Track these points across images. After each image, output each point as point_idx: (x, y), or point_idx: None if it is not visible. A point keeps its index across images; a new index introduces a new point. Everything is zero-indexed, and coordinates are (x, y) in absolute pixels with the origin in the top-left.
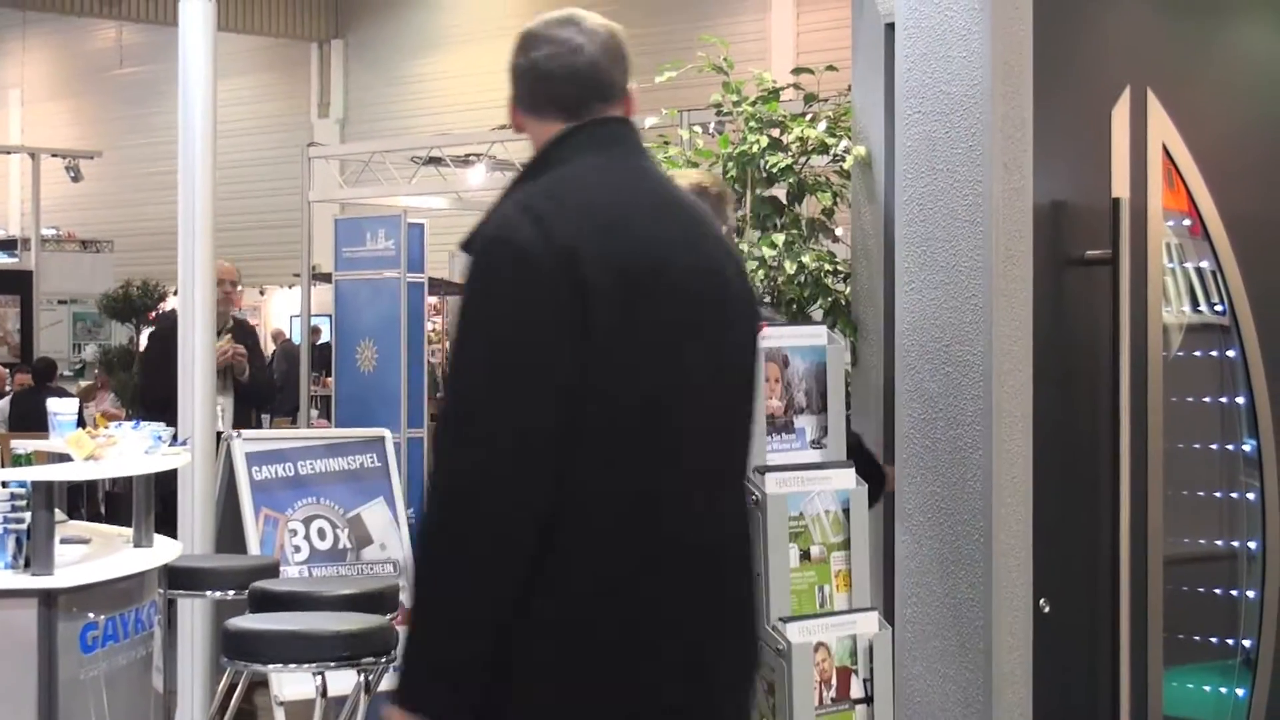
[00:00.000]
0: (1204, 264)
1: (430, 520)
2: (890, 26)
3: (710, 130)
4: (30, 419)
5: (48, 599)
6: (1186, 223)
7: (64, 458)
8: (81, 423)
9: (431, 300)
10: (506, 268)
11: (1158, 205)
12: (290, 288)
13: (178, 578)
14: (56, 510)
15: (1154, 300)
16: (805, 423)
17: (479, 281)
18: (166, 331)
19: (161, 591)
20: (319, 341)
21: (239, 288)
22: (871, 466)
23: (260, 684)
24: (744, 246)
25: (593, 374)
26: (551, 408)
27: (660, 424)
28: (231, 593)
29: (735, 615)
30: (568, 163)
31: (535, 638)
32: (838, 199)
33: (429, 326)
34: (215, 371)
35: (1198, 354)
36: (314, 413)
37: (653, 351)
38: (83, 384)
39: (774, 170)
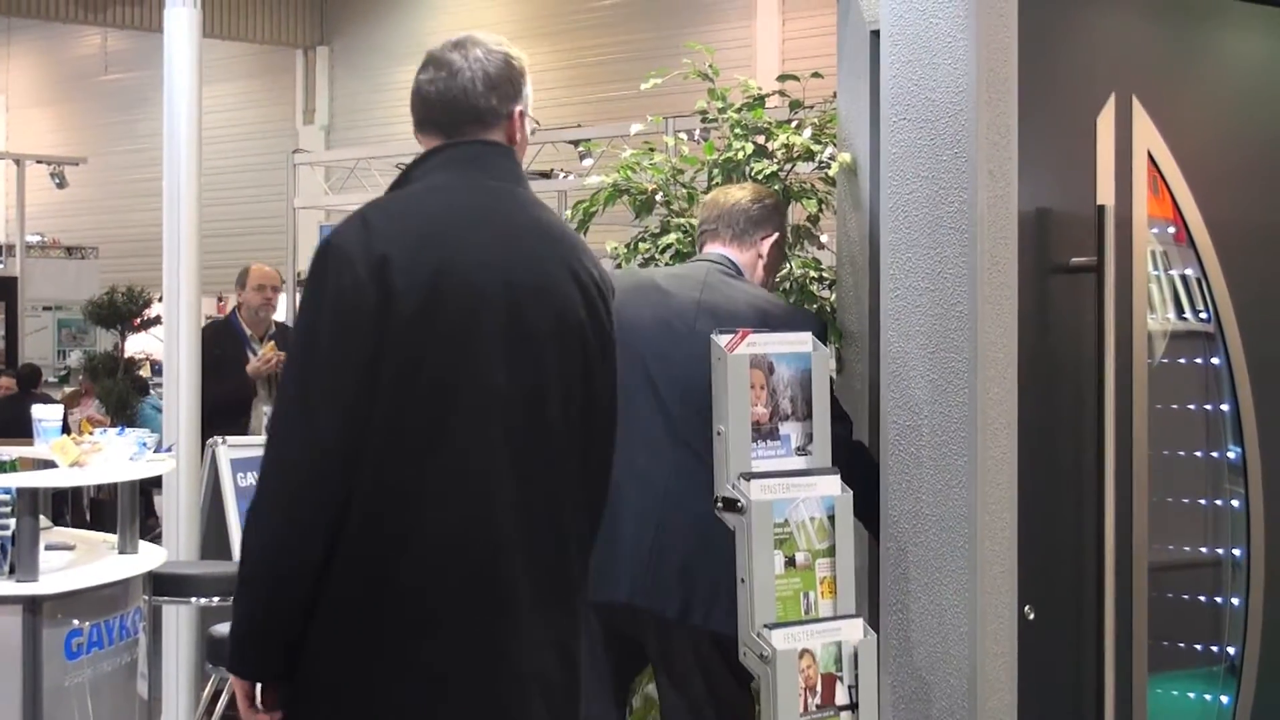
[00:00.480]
0: (1188, 271)
1: (252, 502)
2: (875, 34)
3: (696, 137)
4: (14, 425)
5: (32, 605)
6: (1171, 230)
7: (49, 464)
8: (66, 429)
9: None
10: (330, 269)
11: (1142, 212)
12: None
13: (162, 584)
14: (41, 516)
15: (1139, 307)
16: (790, 430)
17: (309, 280)
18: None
19: (146, 598)
20: None
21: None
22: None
23: None
24: None
25: (388, 374)
26: (350, 403)
27: (445, 424)
28: (216, 599)
29: (526, 619)
30: (421, 180)
31: (315, 624)
32: (823, 206)
33: None
34: (235, 378)
35: (1182, 361)
36: None
37: (449, 359)
38: (67, 390)
39: (759, 177)
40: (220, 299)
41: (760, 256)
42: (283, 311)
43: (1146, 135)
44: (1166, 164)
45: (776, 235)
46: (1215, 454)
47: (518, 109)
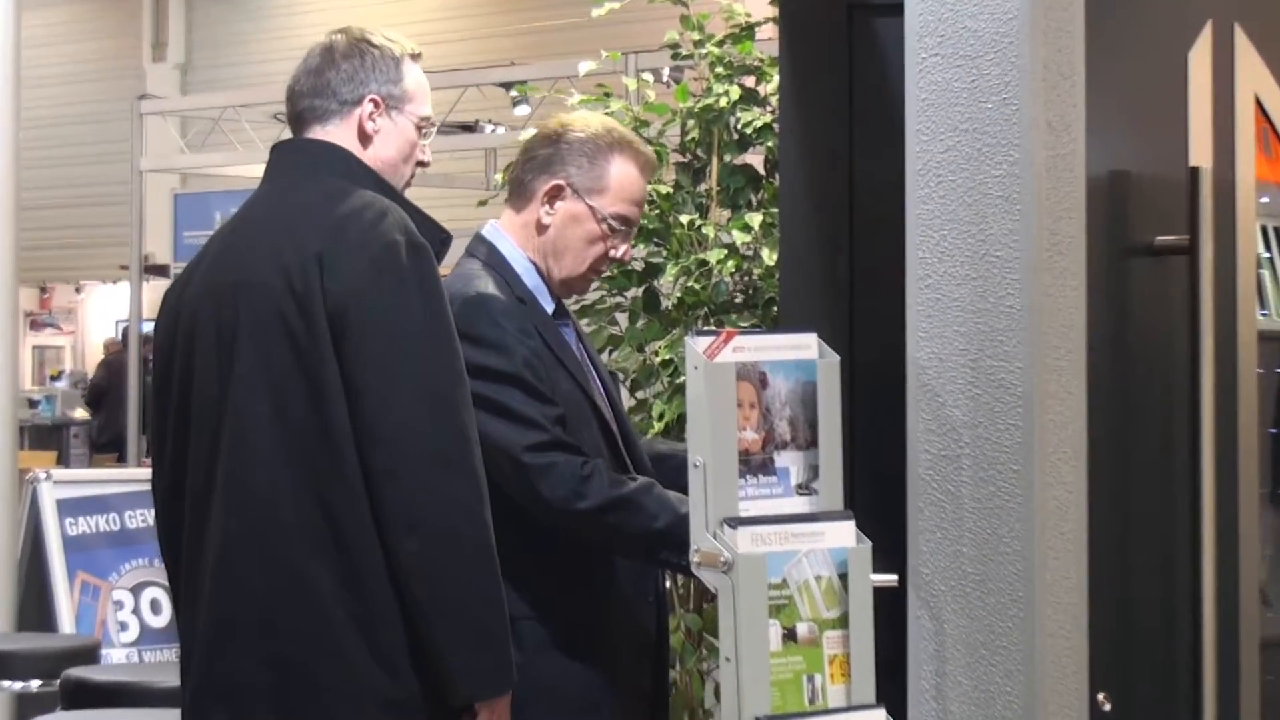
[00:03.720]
0: None
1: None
2: None
3: (665, 79)
4: None
5: None
6: None
7: None
8: None
9: None
10: None
11: (1250, 176)
12: (115, 284)
13: None
14: None
15: (1245, 300)
16: (789, 461)
17: None
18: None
19: None
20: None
21: None
22: None
23: None
24: (709, 230)
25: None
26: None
27: (161, 428)
28: (37, 683)
29: (211, 624)
30: None
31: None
32: None
33: None
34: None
35: None
36: (146, 447)
37: (167, 365)
38: None
39: (748, 131)
40: (44, 290)
41: (539, 219)
42: (125, 309)
43: (1254, 75)
44: None
45: (558, 183)
46: None
47: (366, 94)
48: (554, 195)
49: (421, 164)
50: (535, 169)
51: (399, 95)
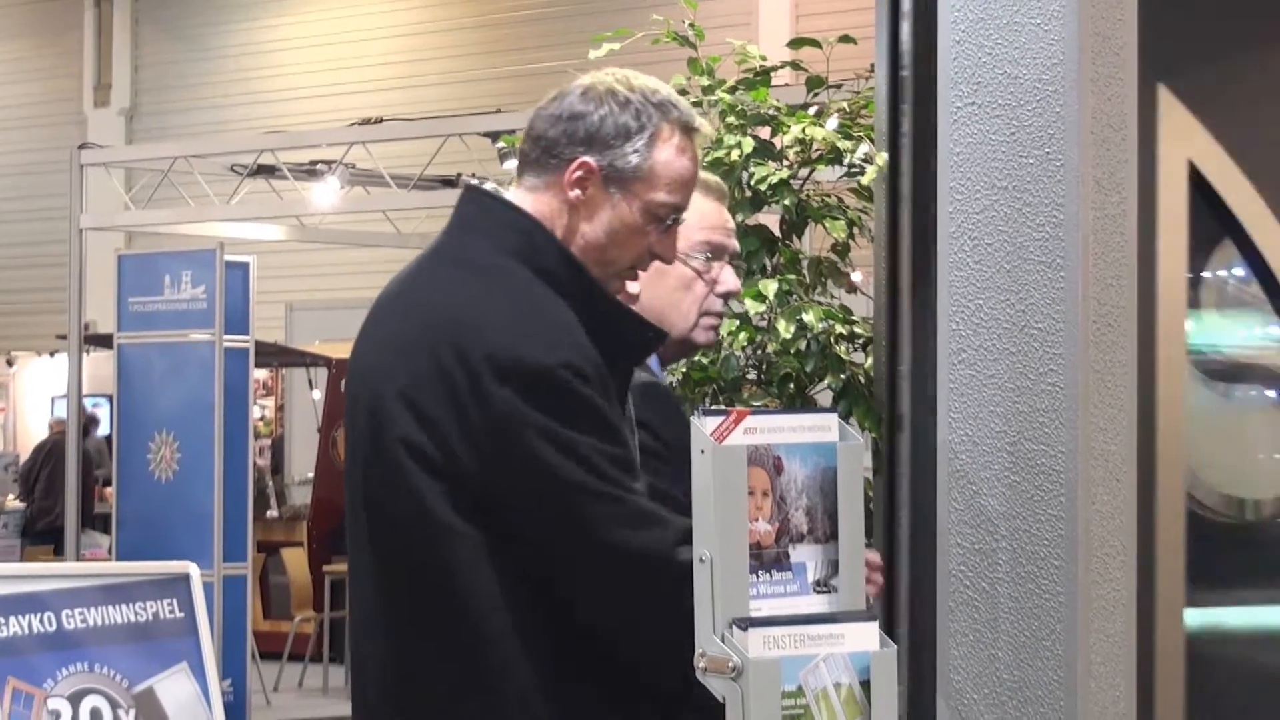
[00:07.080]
0: None
1: None
2: None
3: None
4: None
5: None
6: None
7: None
8: None
9: (260, 374)
10: None
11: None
12: (52, 355)
13: None
14: None
15: None
16: (806, 555)
17: None
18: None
19: None
20: (96, 433)
21: None
22: None
23: None
24: None
25: None
26: None
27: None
28: None
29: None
30: None
31: None
32: (855, 229)
33: (256, 413)
34: None
35: None
36: (86, 539)
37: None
38: None
39: (762, 187)
40: None
41: None
42: (62, 384)
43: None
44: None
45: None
46: None
47: (579, 155)
48: None
49: (658, 257)
50: None
51: (626, 169)
